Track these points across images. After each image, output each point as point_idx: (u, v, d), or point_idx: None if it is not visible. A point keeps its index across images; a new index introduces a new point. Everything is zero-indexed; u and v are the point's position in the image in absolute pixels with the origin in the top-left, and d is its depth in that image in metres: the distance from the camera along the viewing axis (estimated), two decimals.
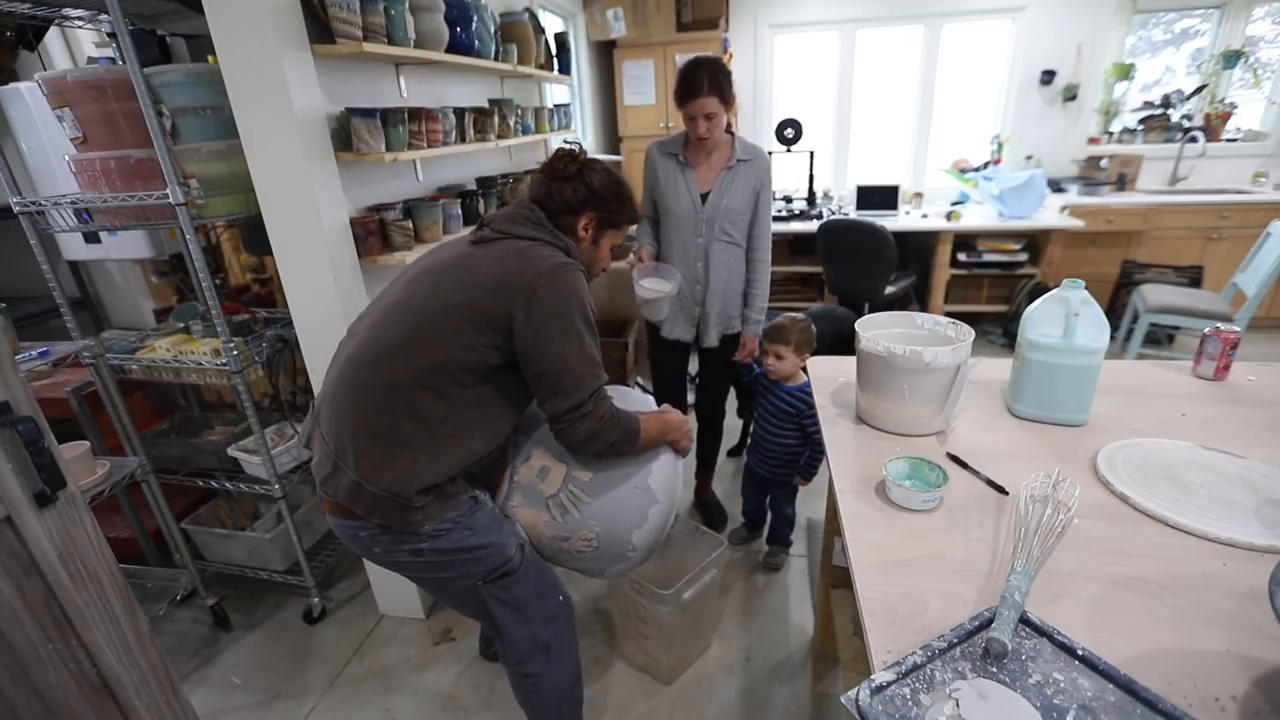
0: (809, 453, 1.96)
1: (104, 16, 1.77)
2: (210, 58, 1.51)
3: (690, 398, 2.59)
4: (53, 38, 2.20)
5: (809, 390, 1.90)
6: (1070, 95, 4.17)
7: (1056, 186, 4.13)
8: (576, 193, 1.23)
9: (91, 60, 2.22)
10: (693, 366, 2.24)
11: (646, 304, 1.95)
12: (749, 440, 2.22)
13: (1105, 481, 1.03)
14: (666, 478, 1.33)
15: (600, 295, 3.32)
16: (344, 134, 1.62)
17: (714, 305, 2.03)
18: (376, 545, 1.17)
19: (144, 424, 2.08)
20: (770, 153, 4.17)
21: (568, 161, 1.25)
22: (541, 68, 2.65)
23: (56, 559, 0.94)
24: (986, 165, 4.27)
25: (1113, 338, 2.79)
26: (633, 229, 1.54)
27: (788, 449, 1.99)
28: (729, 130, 1.93)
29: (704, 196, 1.92)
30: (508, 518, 1.27)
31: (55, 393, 1.87)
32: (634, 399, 1.41)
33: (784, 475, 2.04)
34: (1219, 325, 1.37)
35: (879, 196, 4.10)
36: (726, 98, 1.78)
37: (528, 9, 2.57)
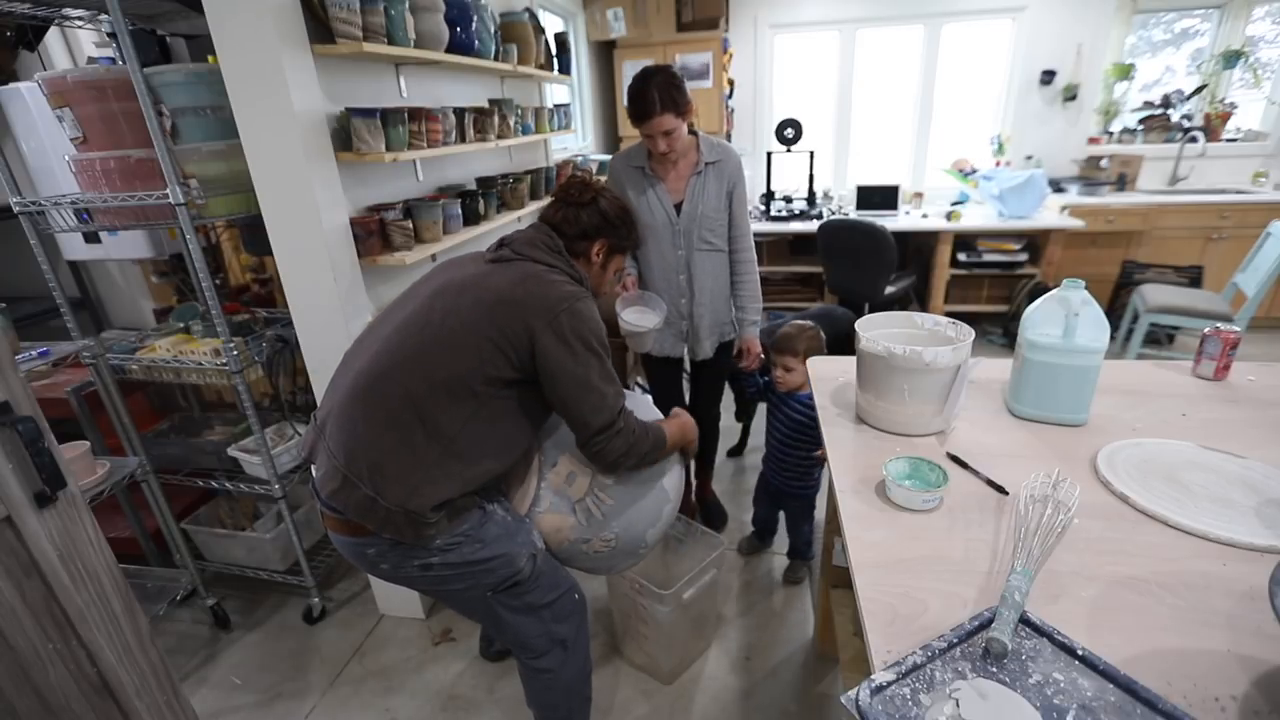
0: None
1: (104, 16, 1.77)
2: (210, 58, 1.50)
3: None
4: (53, 38, 2.20)
5: None
6: (1070, 95, 4.17)
7: (1057, 186, 4.14)
8: (591, 219, 1.29)
9: (91, 60, 2.22)
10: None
11: (630, 337, 1.87)
12: (763, 450, 2.13)
13: (1105, 481, 1.03)
14: (678, 477, 1.39)
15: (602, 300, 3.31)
16: (344, 134, 1.62)
17: (703, 317, 1.98)
18: (384, 562, 1.16)
19: (144, 424, 2.08)
20: (769, 153, 4.22)
21: (582, 189, 1.31)
22: (541, 68, 2.64)
23: (56, 559, 0.94)
24: (996, 165, 4.26)
25: (1113, 338, 2.80)
26: None
27: (801, 460, 1.95)
28: (692, 131, 1.86)
29: (678, 207, 1.87)
30: (523, 525, 1.27)
31: (55, 393, 1.87)
32: (642, 404, 1.42)
33: (798, 488, 2.00)
34: (1219, 325, 1.37)
35: (879, 196, 4.10)
36: (681, 110, 1.71)
37: (528, 9, 2.57)
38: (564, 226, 1.28)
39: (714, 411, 2.26)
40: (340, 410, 1.14)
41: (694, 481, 2.42)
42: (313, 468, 1.19)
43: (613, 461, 1.24)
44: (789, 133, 4.06)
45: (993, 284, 3.98)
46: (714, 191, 1.86)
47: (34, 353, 1.60)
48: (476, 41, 2.05)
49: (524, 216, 2.57)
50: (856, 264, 3.41)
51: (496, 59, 2.24)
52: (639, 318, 1.84)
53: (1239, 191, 3.91)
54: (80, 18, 1.76)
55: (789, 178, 4.47)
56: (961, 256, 3.89)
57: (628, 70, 4.01)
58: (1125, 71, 4.09)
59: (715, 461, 2.41)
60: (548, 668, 1.33)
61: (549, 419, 1.32)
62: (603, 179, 1.43)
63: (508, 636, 1.33)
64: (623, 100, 4.09)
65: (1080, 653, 0.71)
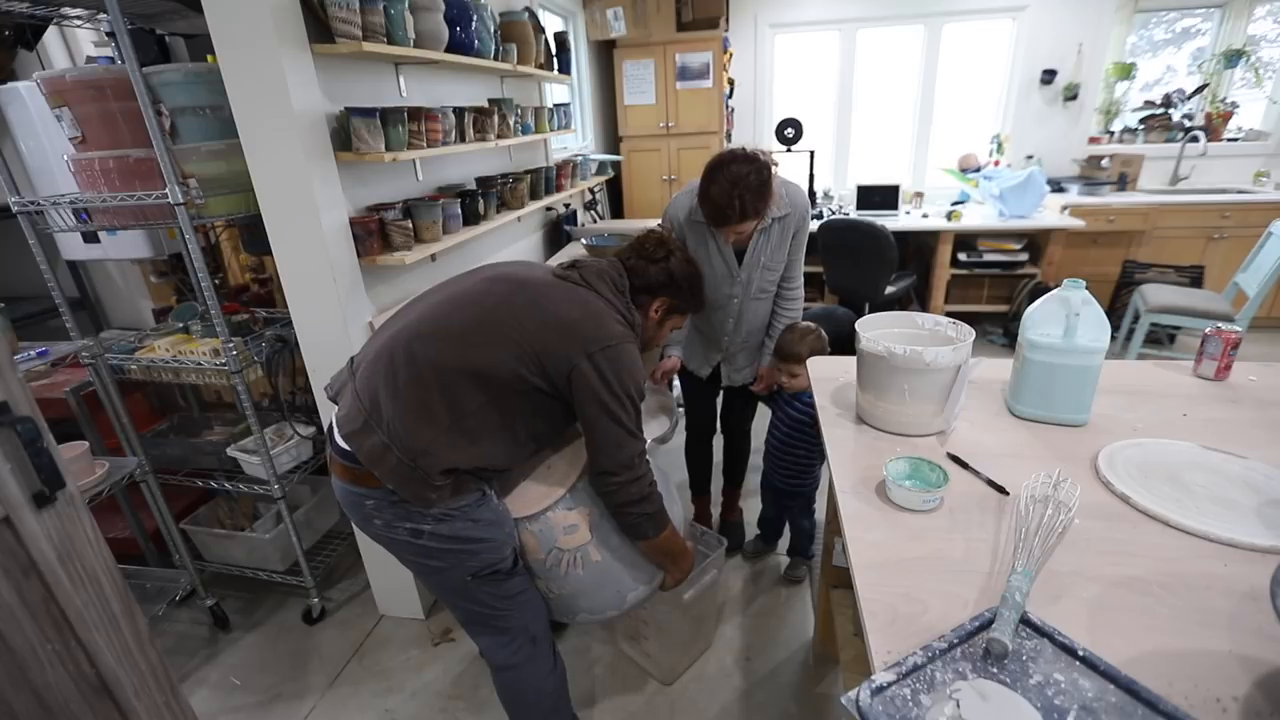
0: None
1: (103, 16, 1.77)
2: (210, 57, 1.50)
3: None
4: (51, 37, 2.19)
5: None
6: (1071, 95, 4.16)
7: (1057, 186, 4.13)
8: (658, 276, 1.35)
9: (90, 60, 2.22)
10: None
11: None
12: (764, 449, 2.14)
13: (1106, 482, 1.03)
14: (640, 598, 1.39)
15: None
16: (344, 134, 1.62)
17: (738, 354, 1.95)
18: (378, 518, 1.17)
19: (143, 424, 2.08)
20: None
21: (657, 246, 1.37)
22: (541, 67, 2.64)
23: (55, 559, 0.94)
24: (994, 165, 4.25)
25: (1113, 338, 2.78)
26: None
27: (800, 459, 1.95)
28: None
29: (739, 254, 1.79)
30: (510, 521, 1.27)
31: (54, 393, 1.87)
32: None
33: (796, 485, 2.00)
34: (1220, 325, 1.37)
35: (879, 196, 4.10)
36: (763, 212, 1.62)
37: (527, 8, 2.57)
38: (632, 276, 1.34)
39: (744, 429, 2.22)
40: (375, 358, 1.17)
41: (720, 500, 2.37)
42: (335, 408, 1.22)
43: (620, 504, 1.24)
44: (789, 132, 4.06)
45: (993, 284, 3.97)
46: (777, 243, 1.79)
47: (33, 353, 1.60)
48: (476, 41, 2.05)
49: (524, 216, 2.57)
50: (857, 264, 3.41)
51: (496, 58, 2.23)
52: (653, 426, 1.79)
53: (1240, 191, 3.90)
54: (79, 17, 1.75)
55: (789, 178, 4.46)
56: (962, 256, 3.89)
57: (628, 70, 4.00)
58: (1126, 71, 4.09)
59: (743, 480, 2.31)
60: (513, 662, 1.33)
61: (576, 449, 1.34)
62: (669, 227, 1.44)
63: (481, 619, 1.31)
64: (623, 100, 4.10)
65: (1081, 653, 0.71)
